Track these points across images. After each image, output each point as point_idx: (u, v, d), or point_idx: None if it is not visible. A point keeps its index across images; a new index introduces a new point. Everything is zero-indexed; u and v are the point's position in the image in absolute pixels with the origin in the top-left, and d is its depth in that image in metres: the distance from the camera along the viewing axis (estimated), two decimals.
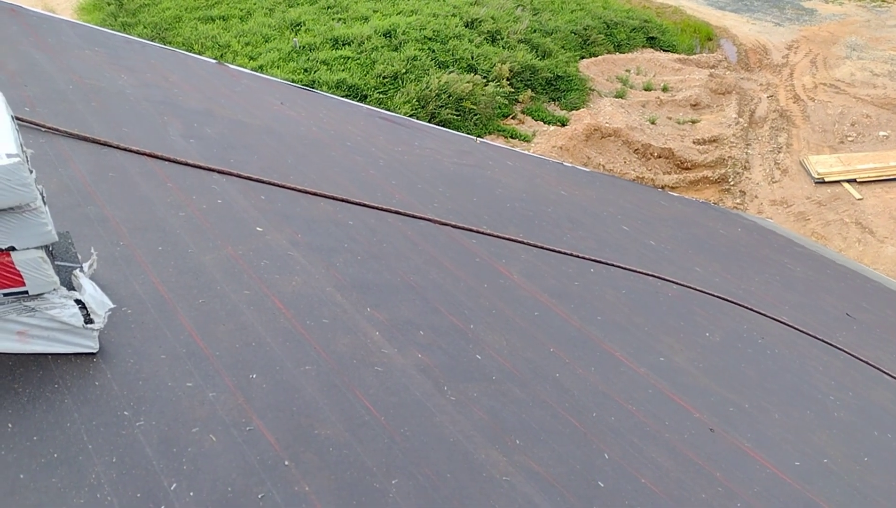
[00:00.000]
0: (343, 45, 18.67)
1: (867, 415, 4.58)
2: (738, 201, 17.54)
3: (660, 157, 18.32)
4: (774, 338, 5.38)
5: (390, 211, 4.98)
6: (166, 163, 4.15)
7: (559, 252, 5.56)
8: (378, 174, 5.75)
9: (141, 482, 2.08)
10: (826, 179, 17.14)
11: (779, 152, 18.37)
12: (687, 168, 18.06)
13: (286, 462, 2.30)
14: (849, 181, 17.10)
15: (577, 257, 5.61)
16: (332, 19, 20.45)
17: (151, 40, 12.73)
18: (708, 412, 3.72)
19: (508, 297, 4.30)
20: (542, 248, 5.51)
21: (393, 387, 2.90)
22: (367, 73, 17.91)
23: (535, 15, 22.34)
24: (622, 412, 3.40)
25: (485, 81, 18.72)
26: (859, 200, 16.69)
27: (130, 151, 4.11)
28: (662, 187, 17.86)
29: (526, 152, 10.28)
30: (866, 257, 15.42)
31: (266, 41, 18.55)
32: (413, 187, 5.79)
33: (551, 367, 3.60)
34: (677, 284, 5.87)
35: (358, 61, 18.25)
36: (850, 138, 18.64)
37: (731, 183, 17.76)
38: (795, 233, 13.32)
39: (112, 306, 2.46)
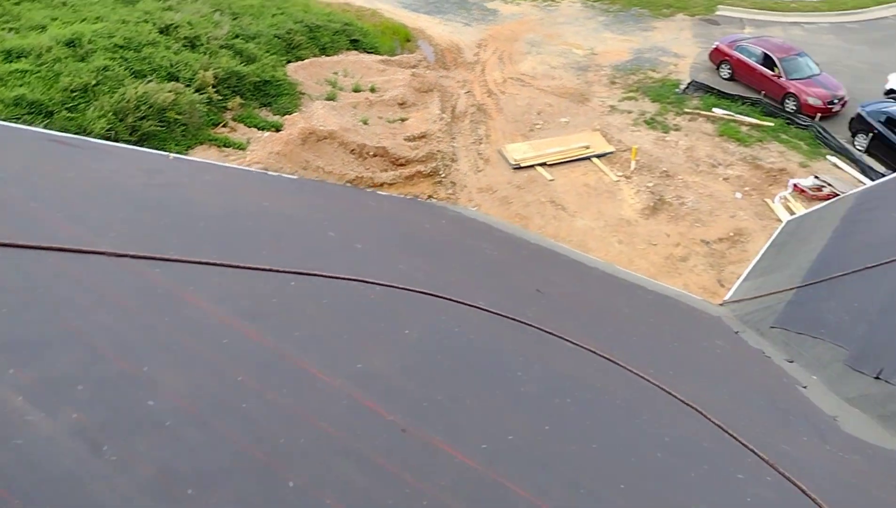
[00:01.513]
0: (17, 57, 16.50)
1: (551, 385, 5.06)
2: (450, 191, 18.61)
3: (375, 155, 18.82)
4: (471, 325, 5.74)
5: (51, 249, 4.42)
6: None
7: (257, 269, 5.38)
8: (37, 207, 5.09)
9: None
10: (522, 165, 18.89)
11: (480, 143, 19.84)
12: (402, 164, 18.76)
13: None
14: (541, 165, 19.00)
15: (277, 271, 5.47)
16: (1, 29, 17.96)
17: None
18: (401, 412, 3.81)
19: (193, 328, 4.04)
20: (238, 267, 5.27)
21: (35, 461, 2.54)
22: (51, 87, 16.04)
23: (234, 20, 21.67)
24: (313, 432, 3.35)
25: (189, 89, 17.77)
26: (551, 181, 18.62)
27: None
28: (381, 185, 18.38)
29: (227, 165, 9.90)
30: (562, 231, 17.27)
31: None
32: (84, 218, 5.22)
33: (237, 398, 3.44)
34: (380, 285, 6.00)
35: (38, 74, 16.27)
36: (538, 126, 20.73)
37: (443, 175, 18.79)
38: (496, 218, 14.51)
39: None
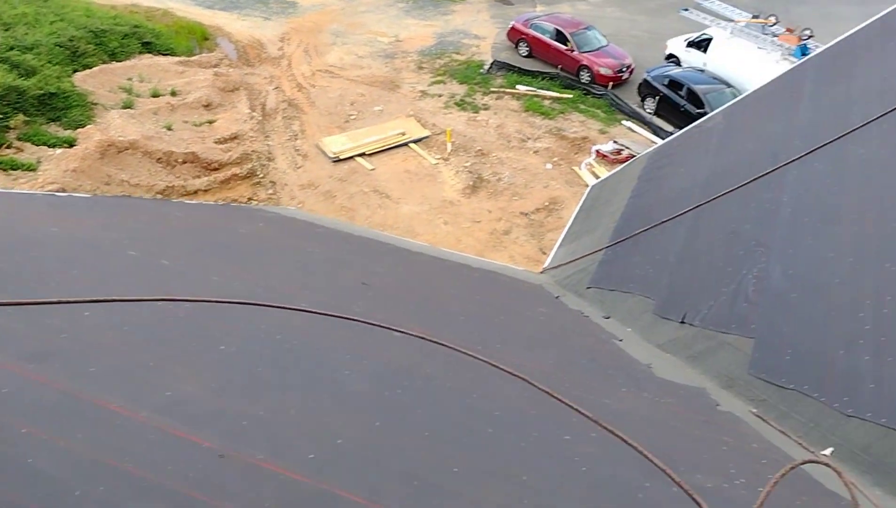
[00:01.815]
0: None
1: (380, 379, 4.99)
2: (270, 191, 18.04)
3: (185, 162, 17.85)
4: (293, 329, 5.54)
5: None
6: None
7: (42, 303, 4.84)
8: None
9: None
10: (341, 157, 18.68)
11: (296, 139, 19.38)
12: (215, 168, 17.94)
13: None
14: (360, 155, 18.90)
15: (67, 302, 4.96)
16: None
17: None
18: (219, 436, 3.58)
19: None
20: (18, 304, 4.72)
21: None
22: None
23: (7, 30, 19.61)
24: (114, 476, 3.05)
25: None
26: (372, 170, 18.57)
27: None
28: (196, 192, 17.45)
29: (7, 190, 8.89)
30: (389, 219, 17.29)
31: None
32: None
33: (21, 452, 3.05)
34: (190, 301, 5.63)
35: None
36: (352, 117, 20.57)
37: (261, 176, 18.18)
38: (320, 214, 14.25)
39: None
